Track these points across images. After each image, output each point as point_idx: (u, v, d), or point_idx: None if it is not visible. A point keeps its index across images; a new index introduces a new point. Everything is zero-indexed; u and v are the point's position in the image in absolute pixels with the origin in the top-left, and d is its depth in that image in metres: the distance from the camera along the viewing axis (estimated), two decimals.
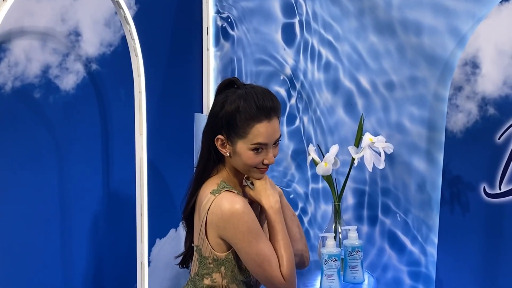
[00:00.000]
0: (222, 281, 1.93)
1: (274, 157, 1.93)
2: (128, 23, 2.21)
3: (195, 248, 1.98)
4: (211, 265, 1.93)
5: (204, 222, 1.89)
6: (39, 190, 2.20)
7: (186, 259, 2.09)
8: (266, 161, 1.91)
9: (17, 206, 2.10)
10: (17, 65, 2.04)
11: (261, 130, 1.86)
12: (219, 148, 1.92)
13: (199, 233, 1.93)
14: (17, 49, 2.02)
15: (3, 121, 1.97)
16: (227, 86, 1.96)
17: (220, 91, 1.96)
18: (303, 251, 2.16)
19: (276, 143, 1.93)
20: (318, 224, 2.80)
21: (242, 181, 2.02)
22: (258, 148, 1.87)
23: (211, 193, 1.90)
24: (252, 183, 1.99)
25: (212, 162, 1.98)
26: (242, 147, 1.88)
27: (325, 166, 2.27)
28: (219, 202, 1.86)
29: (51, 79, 2.18)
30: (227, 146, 1.91)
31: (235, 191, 1.91)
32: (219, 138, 1.90)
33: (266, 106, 1.86)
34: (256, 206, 2.01)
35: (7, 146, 2.00)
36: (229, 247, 1.91)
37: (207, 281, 1.95)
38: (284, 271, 1.89)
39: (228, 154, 1.92)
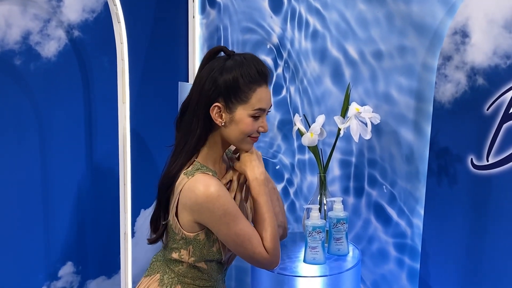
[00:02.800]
0: (188, 258, 1.90)
1: None
2: None
3: (168, 222, 1.93)
4: (180, 242, 1.90)
5: (176, 202, 1.85)
6: (21, 160, 2.18)
7: (157, 238, 2.00)
8: (261, 129, 1.89)
9: None
10: None
11: (262, 95, 1.85)
12: (214, 117, 1.85)
13: (171, 209, 1.90)
14: None
15: None
16: (215, 55, 1.92)
17: (209, 59, 1.90)
18: (283, 222, 2.14)
19: (267, 112, 1.92)
20: (304, 195, 2.79)
21: (222, 156, 1.98)
22: (257, 114, 1.85)
23: (184, 173, 1.85)
24: (238, 156, 1.97)
25: (203, 135, 1.92)
26: (242, 113, 1.84)
27: (310, 136, 2.25)
28: (192, 185, 1.81)
29: (32, 45, 2.16)
30: (223, 115, 1.85)
31: (210, 173, 1.86)
32: (216, 105, 1.84)
33: (264, 71, 1.87)
34: (238, 184, 1.98)
35: None
36: (200, 228, 1.87)
37: (175, 255, 1.92)
38: (268, 245, 1.87)
39: (223, 124, 1.87)
